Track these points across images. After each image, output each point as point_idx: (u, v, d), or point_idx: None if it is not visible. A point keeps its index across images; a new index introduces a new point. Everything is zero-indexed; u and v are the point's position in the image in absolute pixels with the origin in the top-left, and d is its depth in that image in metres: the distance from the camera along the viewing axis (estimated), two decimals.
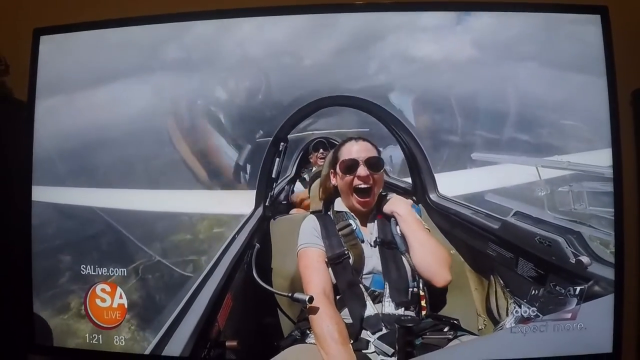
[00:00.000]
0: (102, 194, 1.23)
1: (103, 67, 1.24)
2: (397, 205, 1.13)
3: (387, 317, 1.07)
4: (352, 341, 1.04)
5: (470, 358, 1.08)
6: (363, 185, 1.09)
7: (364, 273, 1.10)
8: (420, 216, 1.17)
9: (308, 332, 1.09)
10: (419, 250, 1.08)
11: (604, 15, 1.16)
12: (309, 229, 1.13)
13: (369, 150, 1.12)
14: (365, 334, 1.07)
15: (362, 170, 1.09)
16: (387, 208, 1.14)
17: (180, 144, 1.22)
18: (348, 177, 1.10)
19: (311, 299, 1.05)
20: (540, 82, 1.16)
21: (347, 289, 1.09)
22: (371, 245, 1.13)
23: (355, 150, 1.11)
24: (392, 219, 1.14)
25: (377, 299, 1.10)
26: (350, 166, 1.10)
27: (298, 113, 1.18)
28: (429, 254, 1.08)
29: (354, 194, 1.11)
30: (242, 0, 1.24)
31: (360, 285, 1.09)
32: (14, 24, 1.37)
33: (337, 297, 1.10)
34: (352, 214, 1.16)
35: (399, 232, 1.12)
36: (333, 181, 1.16)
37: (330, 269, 1.10)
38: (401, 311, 1.08)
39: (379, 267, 1.10)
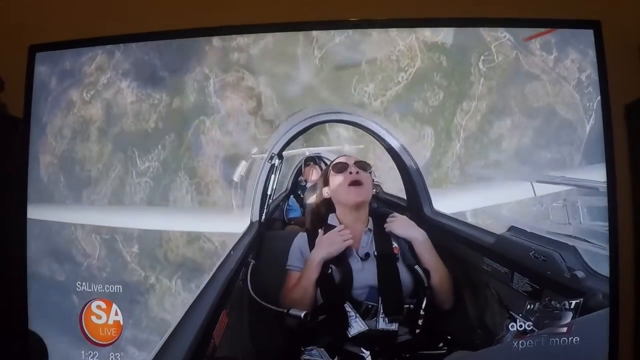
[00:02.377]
0: (97, 212, 1.24)
1: (98, 83, 1.25)
2: (411, 229, 1.15)
3: (382, 333, 1.08)
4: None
5: None
6: (355, 178, 1.15)
7: (355, 288, 1.11)
8: None
9: (303, 349, 1.10)
10: (435, 280, 1.12)
11: (597, 29, 1.17)
12: (296, 249, 1.16)
13: (356, 158, 1.18)
14: (359, 350, 1.08)
15: (352, 168, 1.16)
16: (401, 231, 1.15)
17: (174, 161, 1.22)
18: (340, 175, 1.16)
19: (306, 316, 1.07)
20: (533, 96, 1.17)
21: (330, 308, 1.10)
22: (362, 259, 1.14)
23: (344, 157, 1.19)
24: (402, 239, 1.15)
25: (370, 313, 1.10)
26: (341, 166, 1.17)
27: (294, 129, 1.19)
28: (443, 284, 1.12)
29: (348, 187, 1.15)
30: (237, 17, 1.24)
31: (346, 305, 1.10)
32: (9, 40, 1.38)
33: (322, 317, 1.11)
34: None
35: (407, 247, 1.14)
36: (326, 194, 1.18)
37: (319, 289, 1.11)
38: (395, 326, 1.09)
39: (374, 282, 1.11)
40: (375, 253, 1.14)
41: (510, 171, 1.17)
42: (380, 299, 1.10)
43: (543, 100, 1.17)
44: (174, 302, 1.19)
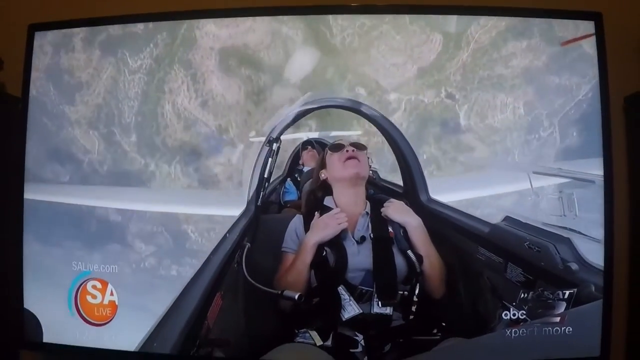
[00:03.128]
0: (95, 191, 1.24)
1: (97, 63, 1.24)
2: (407, 214, 1.15)
3: (376, 317, 1.09)
4: (328, 342, 1.08)
5: None
6: (351, 154, 1.16)
7: (350, 271, 1.12)
8: None
9: (297, 331, 1.11)
10: (426, 266, 1.12)
11: (598, 21, 1.16)
12: (292, 231, 1.17)
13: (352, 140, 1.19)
14: (353, 334, 1.09)
15: (348, 147, 1.17)
16: (396, 215, 1.15)
17: (172, 143, 1.22)
18: (336, 154, 1.17)
19: (300, 297, 1.08)
20: (532, 87, 1.17)
21: (324, 291, 1.11)
22: (357, 242, 1.14)
23: (340, 140, 1.20)
24: (397, 224, 1.16)
25: (365, 297, 1.11)
26: (338, 145, 1.18)
27: (292, 114, 1.18)
28: (434, 271, 1.13)
29: (345, 163, 1.15)
30: (238, 0, 1.24)
31: (340, 288, 1.10)
32: (8, 19, 1.37)
33: (317, 299, 1.11)
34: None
35: (401, 233, 1.15)
36: (323, 176, 1.20)
37: (312, 271, 1.12)
38: (389, 310, 1.10)
39: (369, 265, 1.12)
40: (372, 235, 1.14)
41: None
42: (374, 282, 1.10)
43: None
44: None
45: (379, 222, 1.15)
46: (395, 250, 1.13)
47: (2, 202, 1.29)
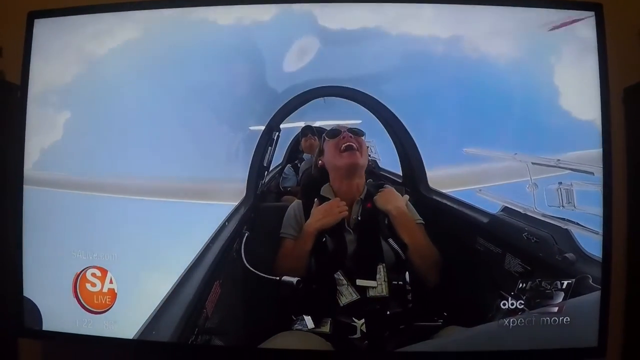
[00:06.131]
0: (94, 180, 1.23)
1: (98, 52, 1.23)
2: (389, 203, 1.15)
3: (374, 302, 1.10)
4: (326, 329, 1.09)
5: (457, 349, 1.10)
6: (348, 141, 1.15)
7: (348, 258, 1.12)
8: None
9: (294, 318, 1.12)
10: (413, 254, 1.13)
11: (599, 12, 1.16)
12: (291, 217, 1.18)
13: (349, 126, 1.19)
14: (351, 320, 1.10)
15: (345, 133, 1.16)
16: (380, 203, 1.16)
17: (173, 131, 1.21)
18: (333, 140, 1.17)
19: (299, 283, 1.08)
20: (531, 79, 1.17)
21: (323, 278, 1.11)
22: (352, 230, 1.15)
23: (337, 126, 1.19)
24: (382, 212, 1.16)
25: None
26: (335, 131, 1.18)
27: (291, 102, 1.18)
28: (422, 260, 1.13)
29: (342, 153, 1.15)
30: None
31: (338, 274, 1.11)
32: (7, 6, 1.37)
33: (315, 286, 1.12)
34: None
35: (386, 222, 1.15)
36: (320, 162, 1.20)
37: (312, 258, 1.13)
38: (385, 292, 1.10)
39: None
40: (359, 218, 1.15)
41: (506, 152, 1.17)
42: (355, 261, 1.11)
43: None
44: (167, 272, 1.18)
45: (367, 209, 1.15)
46: (381, 237, 1.14)
47: (1, 190, 1.29)
